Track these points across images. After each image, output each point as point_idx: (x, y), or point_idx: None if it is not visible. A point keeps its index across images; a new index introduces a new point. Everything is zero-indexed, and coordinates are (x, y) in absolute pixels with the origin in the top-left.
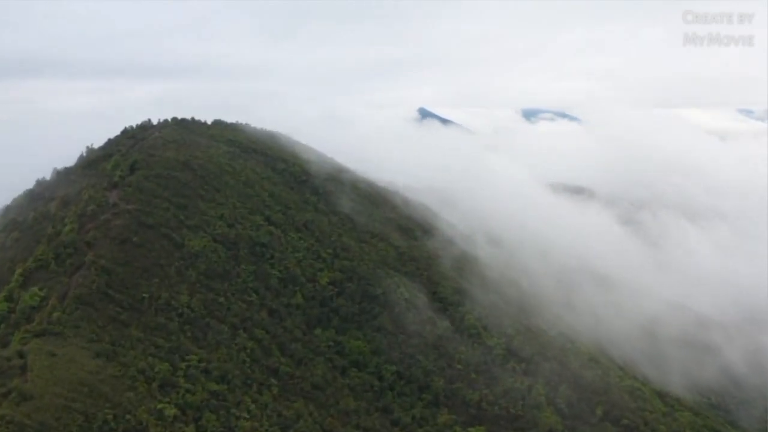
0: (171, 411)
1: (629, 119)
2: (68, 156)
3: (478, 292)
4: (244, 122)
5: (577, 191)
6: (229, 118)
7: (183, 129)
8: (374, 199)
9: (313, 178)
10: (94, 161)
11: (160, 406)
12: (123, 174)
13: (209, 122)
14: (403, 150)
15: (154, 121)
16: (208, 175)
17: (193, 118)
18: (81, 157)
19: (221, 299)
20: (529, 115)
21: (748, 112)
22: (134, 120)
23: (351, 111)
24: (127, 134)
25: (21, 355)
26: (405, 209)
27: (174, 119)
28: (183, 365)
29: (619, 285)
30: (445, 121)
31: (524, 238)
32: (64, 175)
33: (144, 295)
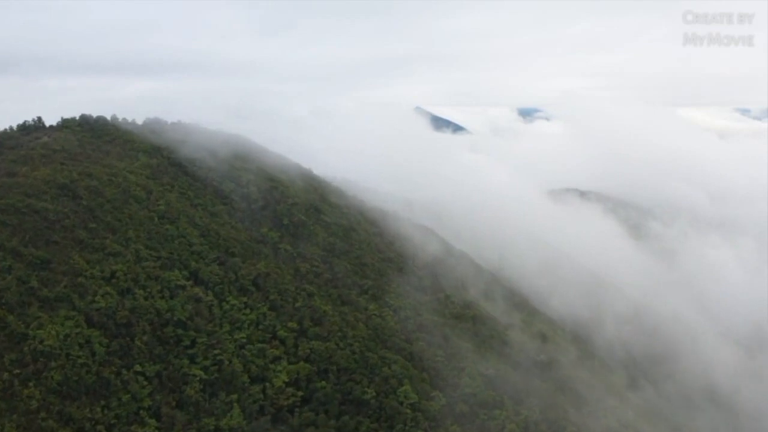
0: None
1: (627, 118)
2: None
3: (515, 380)
4: (193, 122)
5: (578, 195)
6: (222, 117)
7: (88, 132)
8: (361, 231)
9: (277, 204)
10: None
11: None
12: None
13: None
14: (398, 151)
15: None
16: (102, 206)
17: (114, 117)
18: None
19: None
20: (526, 114)
21: (745, 111)
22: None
23: (346, 109)
24: None
25: None
26: (404, 240)
27: (82, 117)
28: None
29: (661, 326)
30: (441, 120)
31: (533, 260)
32: None
33: None
